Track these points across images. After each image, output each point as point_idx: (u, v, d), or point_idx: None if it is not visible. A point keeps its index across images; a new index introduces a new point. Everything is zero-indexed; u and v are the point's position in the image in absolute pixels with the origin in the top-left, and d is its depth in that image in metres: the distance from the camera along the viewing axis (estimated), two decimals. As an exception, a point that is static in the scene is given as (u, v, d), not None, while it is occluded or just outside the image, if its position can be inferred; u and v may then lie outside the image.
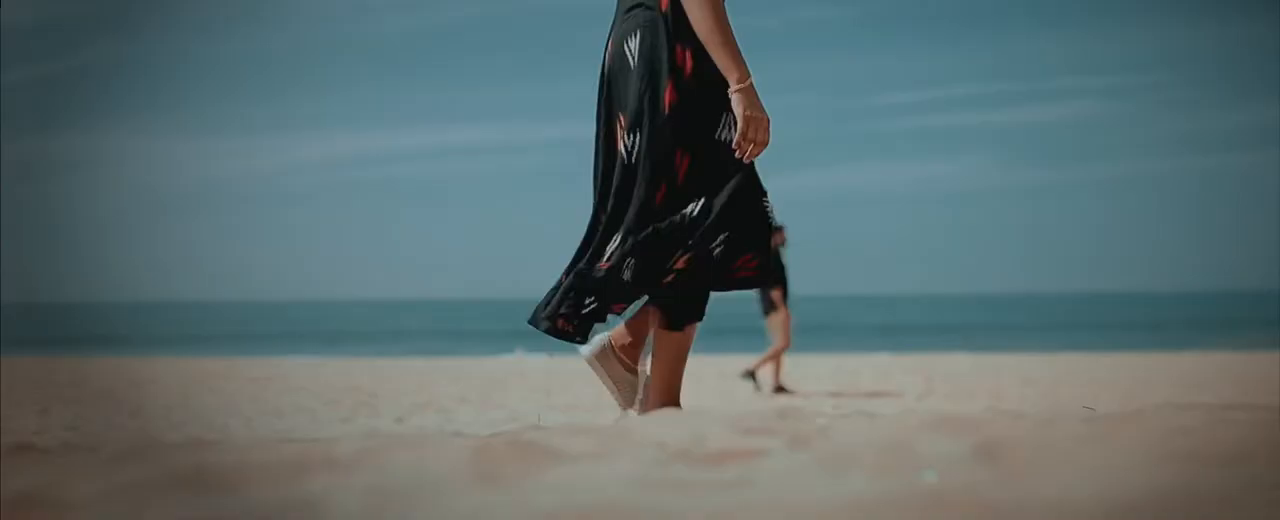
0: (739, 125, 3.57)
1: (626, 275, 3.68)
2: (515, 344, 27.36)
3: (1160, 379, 15.31)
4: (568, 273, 3.79)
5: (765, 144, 3.61)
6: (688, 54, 3.64)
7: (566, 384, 14.54)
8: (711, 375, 15.56)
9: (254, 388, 14.08)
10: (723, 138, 3.67)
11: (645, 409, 3.82)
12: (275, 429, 9.21)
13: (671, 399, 3.82)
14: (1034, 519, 1.62)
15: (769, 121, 3.59)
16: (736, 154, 3.61)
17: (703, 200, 3.67)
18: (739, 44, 3.62)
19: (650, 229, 3.66)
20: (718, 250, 3.67)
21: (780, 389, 13.13)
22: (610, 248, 3.73)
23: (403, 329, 59.09)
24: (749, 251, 3.72)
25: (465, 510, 1.68)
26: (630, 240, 3.67)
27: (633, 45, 3.70)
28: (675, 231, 3.66)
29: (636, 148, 3.68)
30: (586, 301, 3.73)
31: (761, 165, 3.77)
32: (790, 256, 13.68)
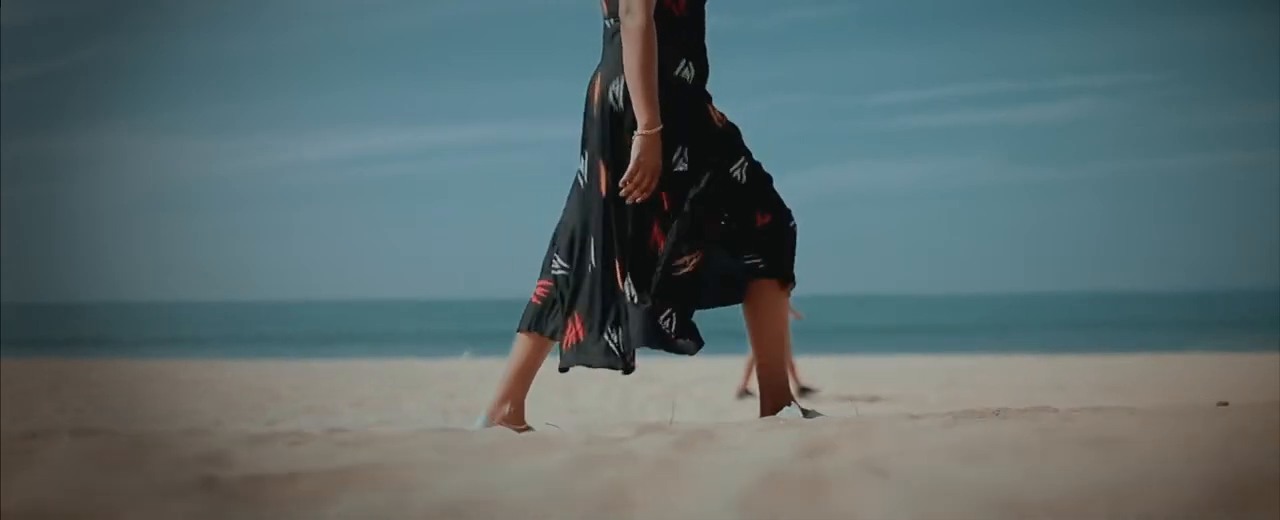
0: (630, 167, 3.58)
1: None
2: (496, 345, 27.22)
3: (1083, 382, 15.18)
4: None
5: (649, 190, 3.62)
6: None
7: (486, 387, 14.47)
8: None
9: (176, 389, 14.05)
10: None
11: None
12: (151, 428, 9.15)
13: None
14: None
15: (659, 170, 3.59)
16: (621, 193, 3.62)
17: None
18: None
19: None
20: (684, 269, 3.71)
21: (801, 389, 12.80)
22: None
23: (399, 330, 59.02)
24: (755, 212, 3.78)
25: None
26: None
27: (618, 90, 3.69)
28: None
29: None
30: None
31: (761, 162, 3.84)
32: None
